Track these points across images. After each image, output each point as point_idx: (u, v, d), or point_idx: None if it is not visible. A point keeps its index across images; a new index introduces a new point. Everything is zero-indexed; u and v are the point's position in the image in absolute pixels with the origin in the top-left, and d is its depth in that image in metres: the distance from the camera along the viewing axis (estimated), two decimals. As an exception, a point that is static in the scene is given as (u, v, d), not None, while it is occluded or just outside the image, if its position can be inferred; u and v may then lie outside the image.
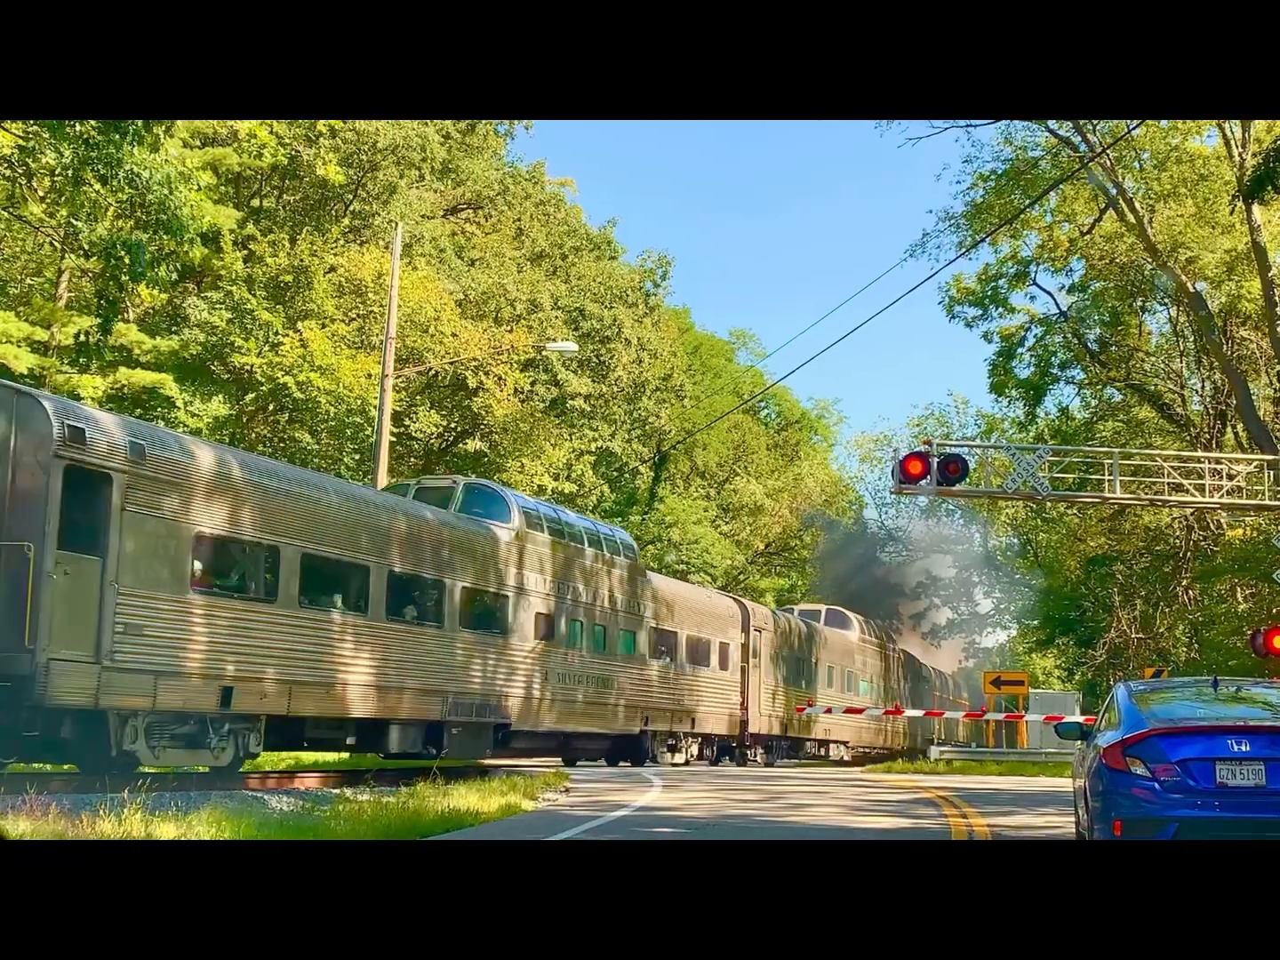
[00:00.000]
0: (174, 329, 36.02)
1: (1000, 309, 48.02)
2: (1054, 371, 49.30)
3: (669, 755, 31.21)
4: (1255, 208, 32.49)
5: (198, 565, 17.59)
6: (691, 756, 32.63)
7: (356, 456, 38.60)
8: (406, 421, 39.71)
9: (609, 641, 28.47)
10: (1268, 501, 31.12)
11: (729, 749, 36.19)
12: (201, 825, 12.26)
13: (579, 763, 28.81)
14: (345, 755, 27.50)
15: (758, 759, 37.47)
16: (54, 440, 15.40)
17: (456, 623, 22.83)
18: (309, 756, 26.70)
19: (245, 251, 37.49)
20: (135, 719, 16.62)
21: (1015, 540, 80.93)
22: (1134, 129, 34.19)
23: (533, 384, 43.68)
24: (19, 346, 29.69)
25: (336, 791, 18.12)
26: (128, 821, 11.56)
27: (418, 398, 40.77)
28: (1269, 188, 22.30)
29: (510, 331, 41.10)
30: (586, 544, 28.06)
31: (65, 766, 17.76)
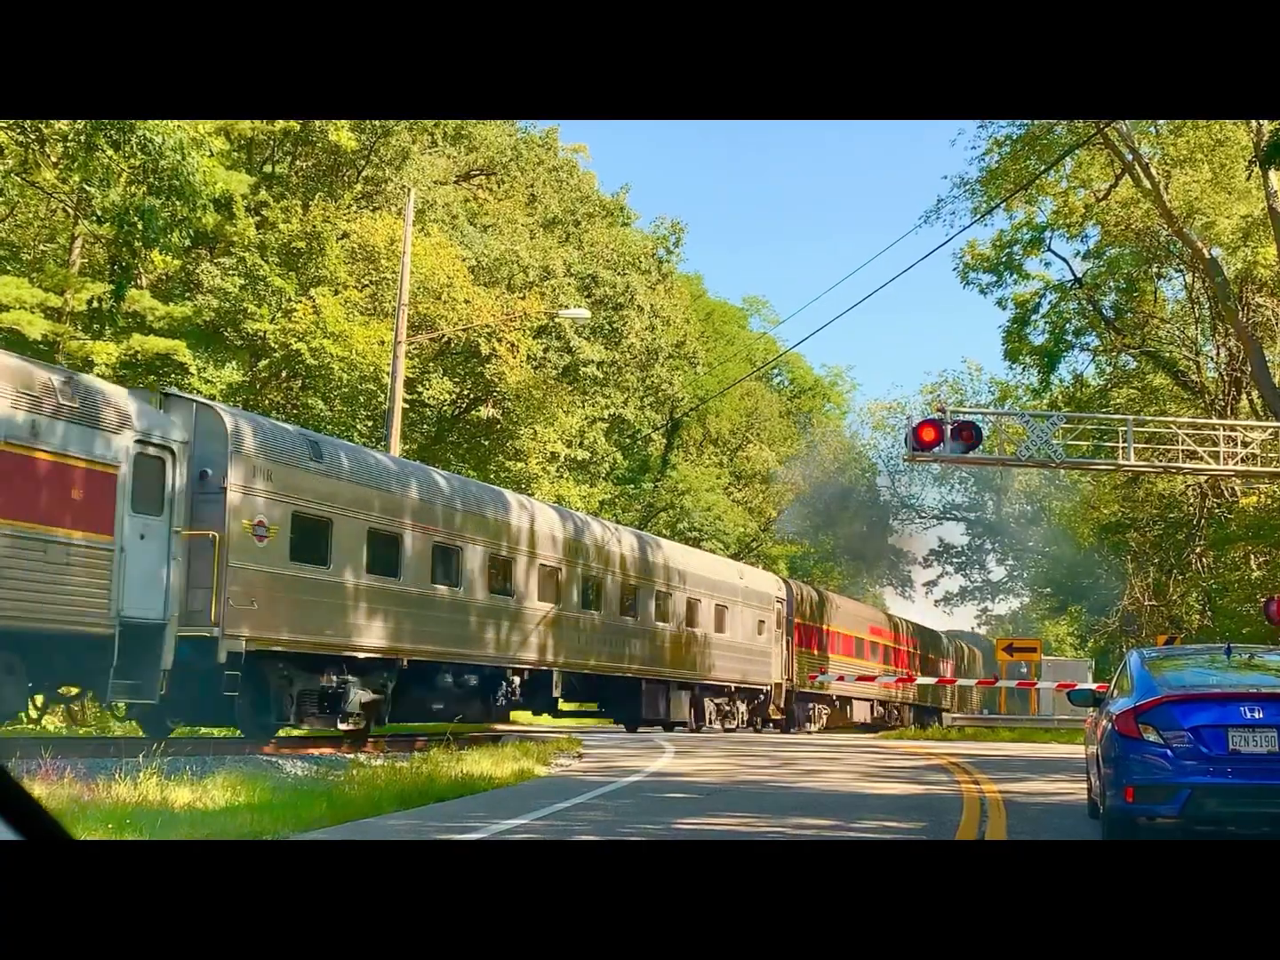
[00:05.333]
0: (187, 295, 36.01)
1: (1015, 275, 47.77)
2: (1068, 338, 49.08)
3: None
4: (1272, 173, 32.26)
5: None
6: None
7: (370, 423, 38.62)
8: (419, 388, 39.70)
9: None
10: (1282, 469, 31.03)
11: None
12: (217, 790, 12.34)
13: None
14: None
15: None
16: None
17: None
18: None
19: (258, 217, 37.42)
20: None
21: (1029, 507, 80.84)
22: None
23: (545, 351, 43.61)
24: (32, 312, 29.71)
25: (350, 756, 18.21)
26: (143, 786, 11.64)
27: (430, 364, 40.75)
28: (1286, 153, 22.12)
29: (523, 298, 41.02)
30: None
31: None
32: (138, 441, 17.16)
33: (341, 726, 21.21)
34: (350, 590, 21.05)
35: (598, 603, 29.26)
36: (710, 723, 34.59)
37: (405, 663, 22.46)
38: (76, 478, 16.21)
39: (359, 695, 21.25)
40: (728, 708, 36.05)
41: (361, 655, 21.25)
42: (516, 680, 25.85)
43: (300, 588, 19.98)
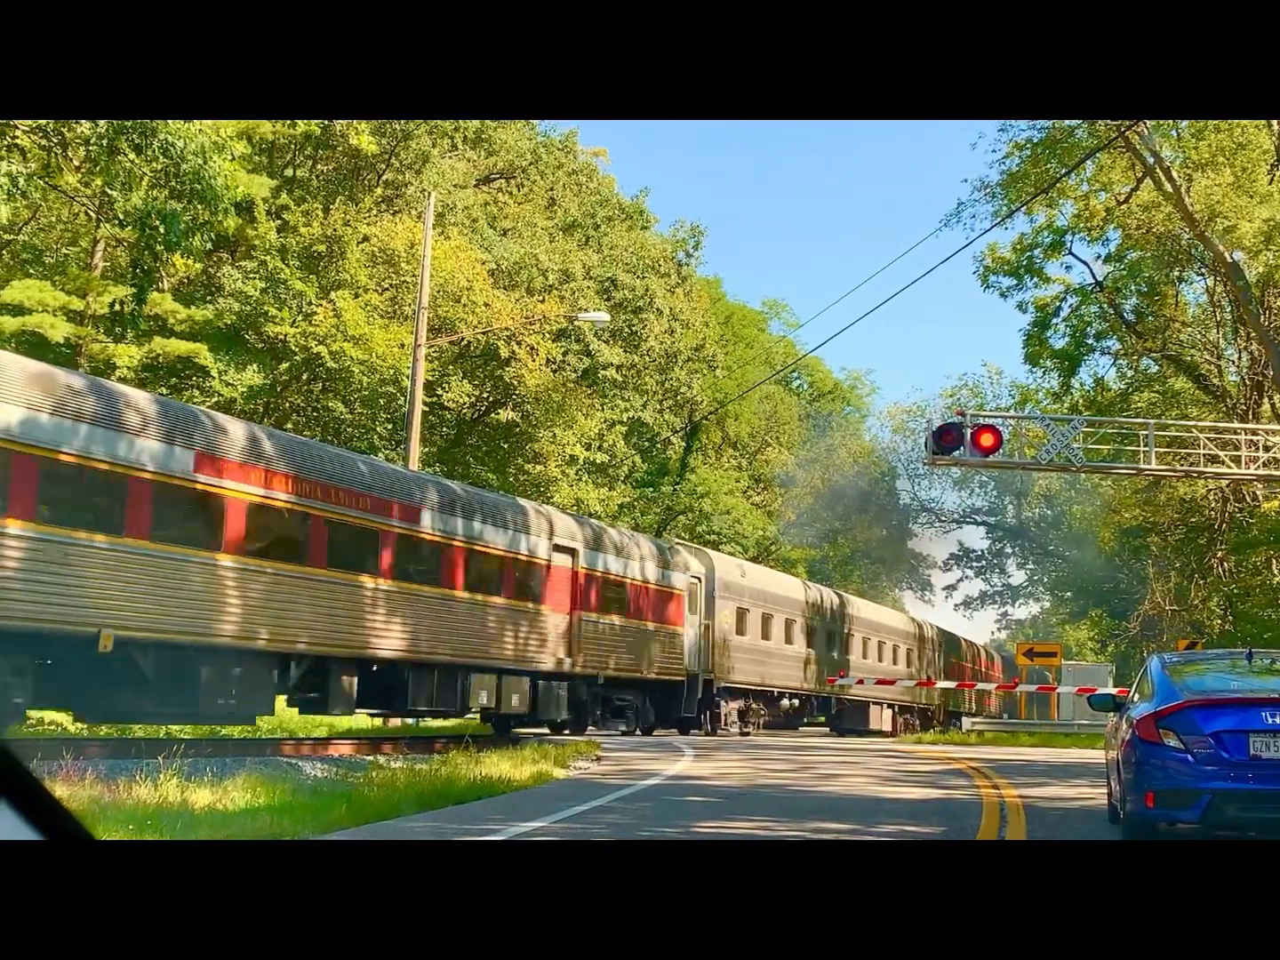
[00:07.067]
0: (208, 298, 36.13)
1: (1035, 279, 47.58)
2: (1089, 342, 48.88)
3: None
4: (1295, 176, 32.10)
5: None
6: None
7: (389, 426, 38.71)
8: (439, 391, 39.77)
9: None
10: (1305, 473, 30.86)
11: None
12: (237, 791, 12.37)
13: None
14: (378, 722, 27.86)
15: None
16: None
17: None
18: (342, 723, 26.93)
19: (279, 221, 37.54)
20: None
21: (1049, 512, 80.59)
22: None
23: (565, 354, 43.64)
24: (55, 315, 29.83)
25: (370, 758, 18.23)
26: (163, 787, 11.68)
27: (450, 367, 40.81)
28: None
29: (542, 301, 41.05)
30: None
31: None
32: (689, 576, 33.12)
33: (741, 729, 36.26)
34: (754, 648, 37.14)
35: (866, 652, 45.78)
36: (896, 731, 46.01)
37: (775, 692, 38.56)
38: (670, 597, 31.76)
39: (761, 712, 37.68)
40: (910, 720, 48.68)
41: (756, 688, 37.09)
42: (815, 701, 42.05)
43: (739, 648, 36.04)
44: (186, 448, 17.60)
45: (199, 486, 17.72)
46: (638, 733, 30.40)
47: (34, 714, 20.44)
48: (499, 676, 24.20)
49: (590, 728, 28.57)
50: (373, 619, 20.89)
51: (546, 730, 27.52)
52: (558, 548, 26.18)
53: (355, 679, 20.79)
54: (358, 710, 22.68)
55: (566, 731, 27.46)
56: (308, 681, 20.00)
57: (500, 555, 24.53)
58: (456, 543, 23.02)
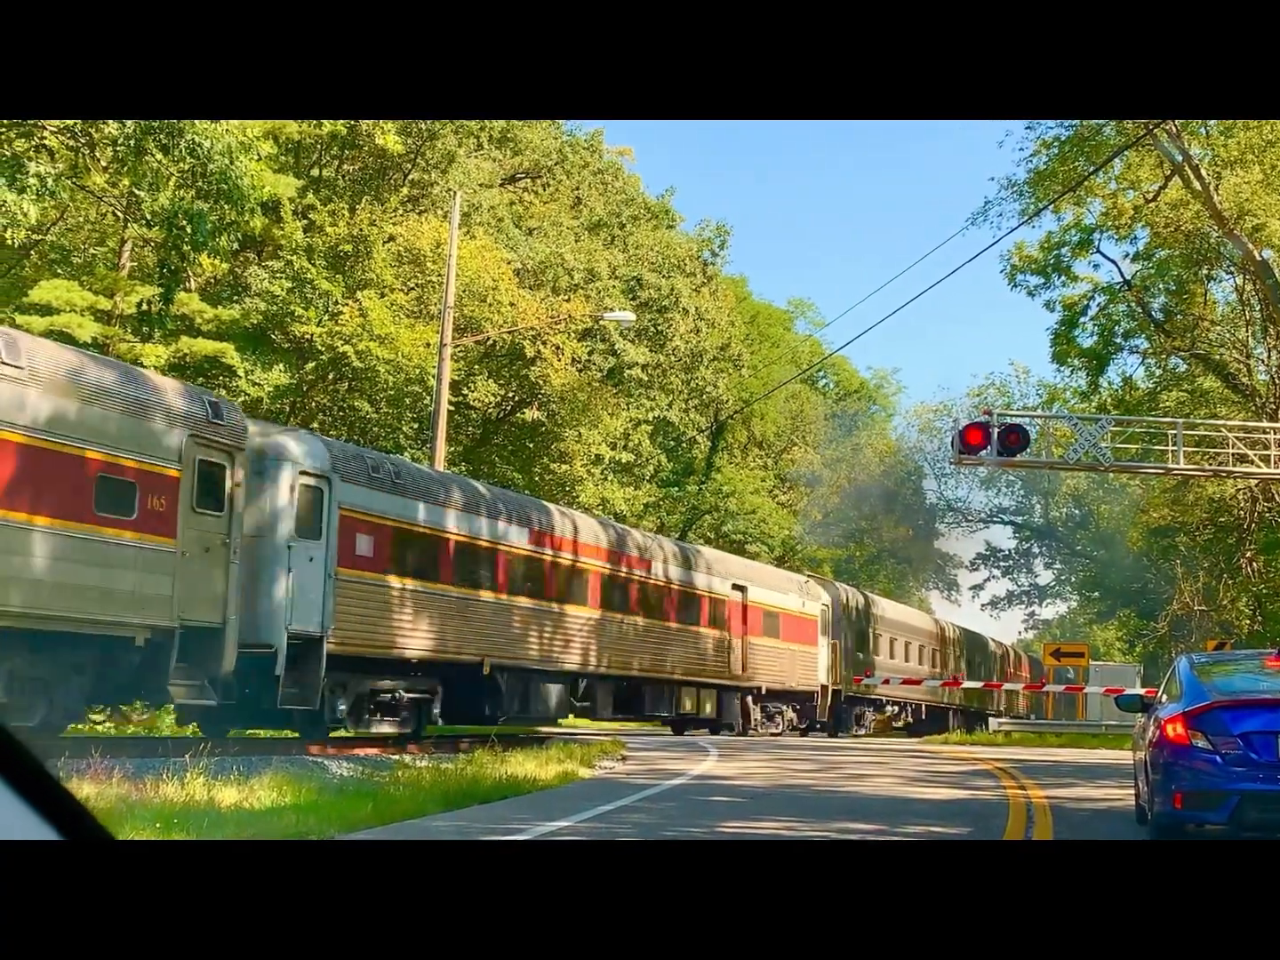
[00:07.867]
0: (235, 298, 36.25)
1: (1063, 277, 47.36)
2: (1117, 341, 48.61)
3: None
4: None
5: None
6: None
7: (415, 425, 38.78)
8: (464, 391, 39.82)
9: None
10: (1335, 473, 30.62)
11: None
12: (263, 790, 12.41)
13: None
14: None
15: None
16: None
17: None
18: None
19: (305, 221, 37.63)
20: None
21: (1077, 511, 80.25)
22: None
23: (590, 353, 43.63)
24: (82, 315, 29.98)
25: (396, 757, 18.27)
26: (190, 786, 11.71)
27: (475, 367, 40.85)
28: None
29: (568, 301, 41.07)
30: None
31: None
32: (820, 604, 39.43)
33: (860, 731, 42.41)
34: (878, 663, 43.52)
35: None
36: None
37: (884, 700, 44.84)
38: (808, 622, 38.32)
39: (874, 717, 44.68)
40: (971, 723, 53.15)
41: (896, 696, 45.05)
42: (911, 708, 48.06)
43: (856, 664, 41.84)
44: (525, 527, 24.88)
45: (534, 555, 25.08)
46: (785, 734, 36.35)
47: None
48: (697, 689, 31.94)
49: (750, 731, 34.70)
50: (626, 647, 28.38)
51: (694, 731, 34.26)
52: (734, 586, 34.15)
53: (612, 692, 27.95)
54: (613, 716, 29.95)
55: (734, 732, 33.73)
56: (585, 694, 26.90)
57: (700, 594, 32.39)
58: (674, 586, 30.99)
